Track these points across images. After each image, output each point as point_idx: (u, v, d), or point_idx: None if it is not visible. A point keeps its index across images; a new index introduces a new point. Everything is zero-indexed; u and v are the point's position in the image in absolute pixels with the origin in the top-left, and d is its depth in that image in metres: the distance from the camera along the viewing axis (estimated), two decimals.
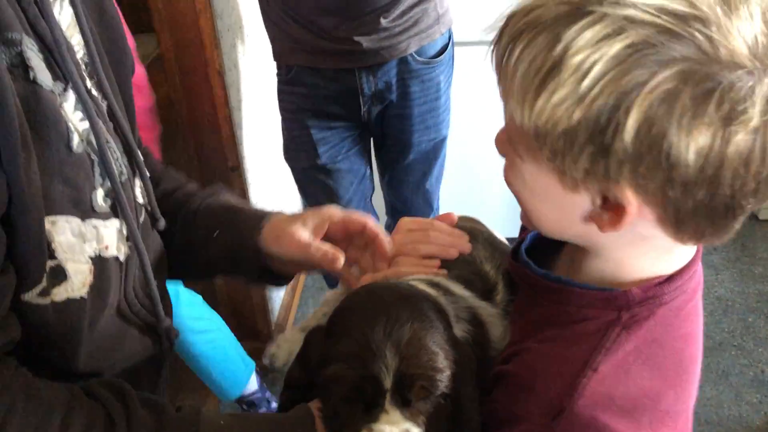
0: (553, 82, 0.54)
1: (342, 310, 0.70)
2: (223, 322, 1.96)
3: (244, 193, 2.00)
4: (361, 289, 0.74)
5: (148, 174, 0.81)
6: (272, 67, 1.76)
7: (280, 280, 0.92)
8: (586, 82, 0.53)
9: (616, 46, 0.52)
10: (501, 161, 0.68)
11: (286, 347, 0.93)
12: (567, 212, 0.62)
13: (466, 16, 1.92)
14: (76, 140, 0.65)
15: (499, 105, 0.64)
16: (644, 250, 0.64)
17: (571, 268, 0.72)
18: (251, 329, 2.28)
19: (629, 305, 0.64)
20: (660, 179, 0.54)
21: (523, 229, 0.82)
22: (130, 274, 0.76)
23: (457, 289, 0.78)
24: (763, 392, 2.16)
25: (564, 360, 0.64)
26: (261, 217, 0.88)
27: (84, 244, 0.67)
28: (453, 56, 1.80)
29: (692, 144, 0.52)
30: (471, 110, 2.24)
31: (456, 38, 1.80)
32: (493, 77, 0.62)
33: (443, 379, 0.63)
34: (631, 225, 0.58)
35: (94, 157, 0.68)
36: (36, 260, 0.62)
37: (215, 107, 1.85)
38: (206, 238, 0.88)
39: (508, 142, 0.64)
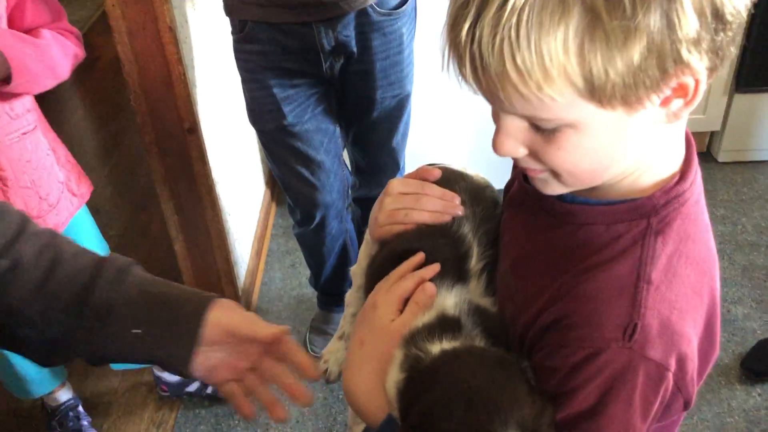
0: (598, 32, 0.53)
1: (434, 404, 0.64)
2: None
3: (202, 156, 1.92)
4: (447, 379, 0.66)
5: None
6: (226, 22, 1.67)
7: None
8: (628, 11, 0.52)
9: None
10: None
11: (333, 359, 0.98)
12: (631, 138, 0.62)
13: None
14: None
15: None
16: (660, 144, 0.65)
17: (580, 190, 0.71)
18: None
19: (656, 209, 0.66)
20: (713, 30, 0.55)
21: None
22: None
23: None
24: (730, 331, 2.18)
25: (616, 281, 0.65)
26: (194, 332, 0.74)
27: None
28: (415, 7, 1.72)
29: None
30: (436, 64, 2.16)
31: None
32: None
33: None
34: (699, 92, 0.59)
35: None
36: None
37: (168, 66, 1.76)
38: (124, 333, 0.74)
39: (535, 132, 0.62)
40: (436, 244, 0.80)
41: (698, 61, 0.56)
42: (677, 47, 0.54)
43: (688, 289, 0.66)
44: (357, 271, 0.98)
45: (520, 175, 0.79)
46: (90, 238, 1.69)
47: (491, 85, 0.58)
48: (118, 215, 2.91)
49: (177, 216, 2.03)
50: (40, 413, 2.06)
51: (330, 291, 2.16)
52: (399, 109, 1.78)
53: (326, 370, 0.99)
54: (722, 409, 1.98)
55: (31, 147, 1.47)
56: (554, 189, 0.68)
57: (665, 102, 0.59)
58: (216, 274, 2.17)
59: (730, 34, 0.57)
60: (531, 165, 0.66)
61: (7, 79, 1.33)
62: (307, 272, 2.23)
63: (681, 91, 0.59)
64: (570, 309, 0.66)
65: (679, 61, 0.55)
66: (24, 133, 1.44)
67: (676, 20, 0.53)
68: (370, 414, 0.73)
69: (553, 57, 0.54)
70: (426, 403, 0.64)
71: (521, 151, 0.65)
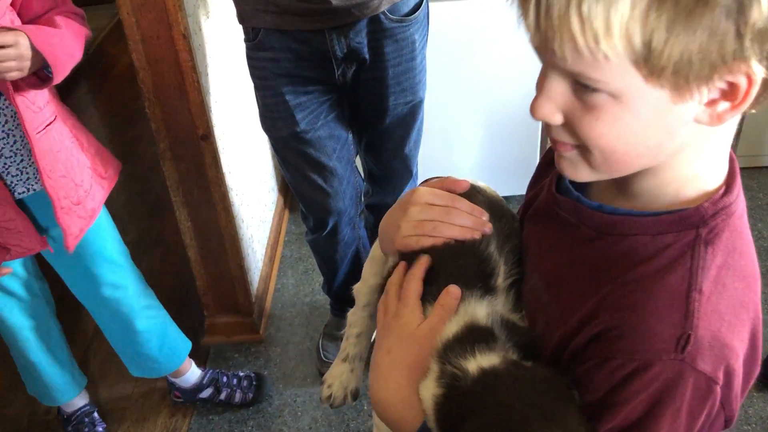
0: None
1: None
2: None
3: (215, 162, 1.93)
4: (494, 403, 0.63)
5: None
6: (239, 29, 1.68)
7: None
8: None
9: None
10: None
11: (338, 383, 0.95)
12: (670, 129, 0.61)
13: None
14: None
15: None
16: (704, 152, 0.64)
17: (617, 199, 0.70)
18: (231, 303, 2.23)
19: (705, 220, 0.65)
20: None
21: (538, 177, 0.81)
22: None
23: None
24: None
25: (666, 291, 0.63)
26: None
27: None
28: (428, 13, 1.72)
29: None
30: (448, 71, 2.17)
31: None
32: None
33: None
34: (750, 97, 0.58)
35: None
36: None
37: (182, 73, 1.77)
38: None
39: (576, 99, 0.61)
40: (463, 262, 0.77)
41: (757, 63, 0.55)
42: (741, 33, 0.53)
43: (735, 302, 0.64)
44: (362, 290, 0.95)
45: (551, 185, 0.77)
46: (109, 239, 1.72)
47: (549, 31, 0.56)
48: (133, 221, 2.93)
49: (191, 222, 2.04)
50: (55, 419, 2.07)
51: (343, 297, 2.16)
52: (411, 115, 1.78)
53: (330, 395, 0.96)
54: (739, 417, 1.95)
55: (57, 137, 1.49)
56: (580, 173, 0.66)
57: (711, 103, 0.58)
58: (229, 280, 2.18)
59: None
60: (563, 137, 0.65)
61: (39, 75, 1.35)
62: (320, 279, 2.24)
63: (731, 93, 0.58)
64: (617, 320, 0.64)
65: (739, 53, 0.54)
66: (48, 125, 1.47)
67: (747, 3, 0.52)
68: (405, 423, 0.71)
69: (619, 10, 0.53)
70: (471, 430, 0.62)
71: (557, 118, 0.63)
